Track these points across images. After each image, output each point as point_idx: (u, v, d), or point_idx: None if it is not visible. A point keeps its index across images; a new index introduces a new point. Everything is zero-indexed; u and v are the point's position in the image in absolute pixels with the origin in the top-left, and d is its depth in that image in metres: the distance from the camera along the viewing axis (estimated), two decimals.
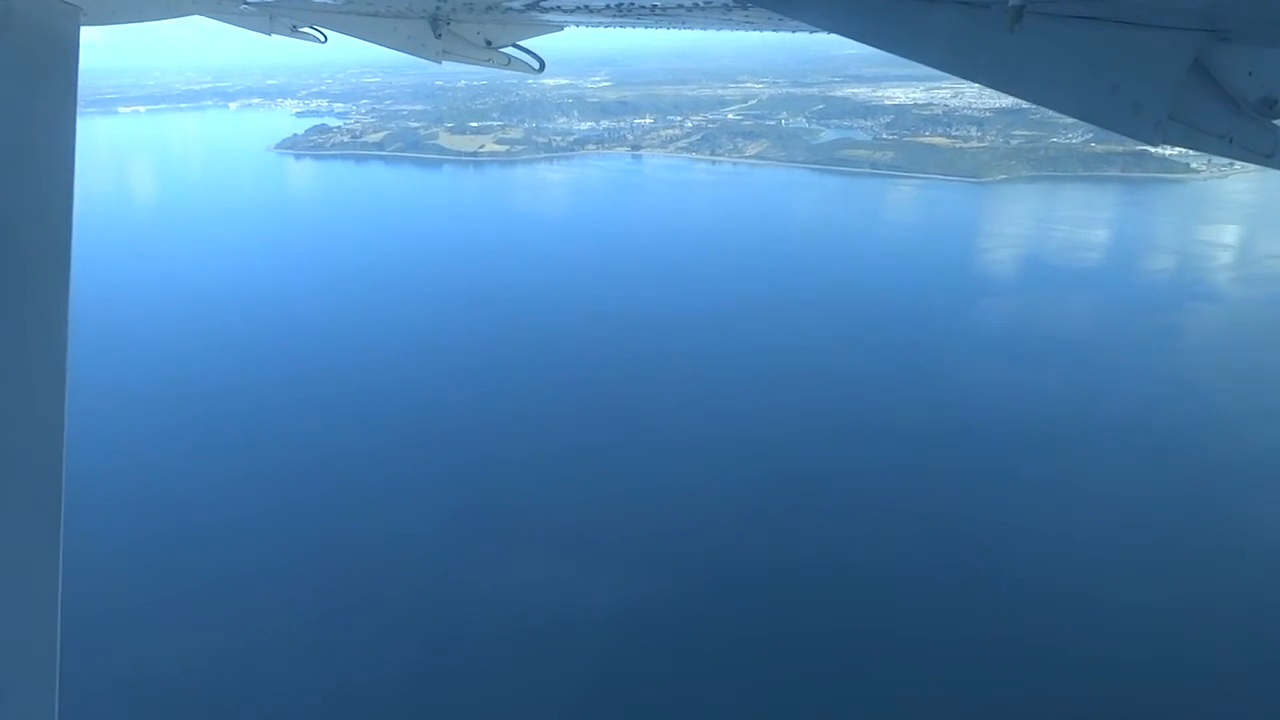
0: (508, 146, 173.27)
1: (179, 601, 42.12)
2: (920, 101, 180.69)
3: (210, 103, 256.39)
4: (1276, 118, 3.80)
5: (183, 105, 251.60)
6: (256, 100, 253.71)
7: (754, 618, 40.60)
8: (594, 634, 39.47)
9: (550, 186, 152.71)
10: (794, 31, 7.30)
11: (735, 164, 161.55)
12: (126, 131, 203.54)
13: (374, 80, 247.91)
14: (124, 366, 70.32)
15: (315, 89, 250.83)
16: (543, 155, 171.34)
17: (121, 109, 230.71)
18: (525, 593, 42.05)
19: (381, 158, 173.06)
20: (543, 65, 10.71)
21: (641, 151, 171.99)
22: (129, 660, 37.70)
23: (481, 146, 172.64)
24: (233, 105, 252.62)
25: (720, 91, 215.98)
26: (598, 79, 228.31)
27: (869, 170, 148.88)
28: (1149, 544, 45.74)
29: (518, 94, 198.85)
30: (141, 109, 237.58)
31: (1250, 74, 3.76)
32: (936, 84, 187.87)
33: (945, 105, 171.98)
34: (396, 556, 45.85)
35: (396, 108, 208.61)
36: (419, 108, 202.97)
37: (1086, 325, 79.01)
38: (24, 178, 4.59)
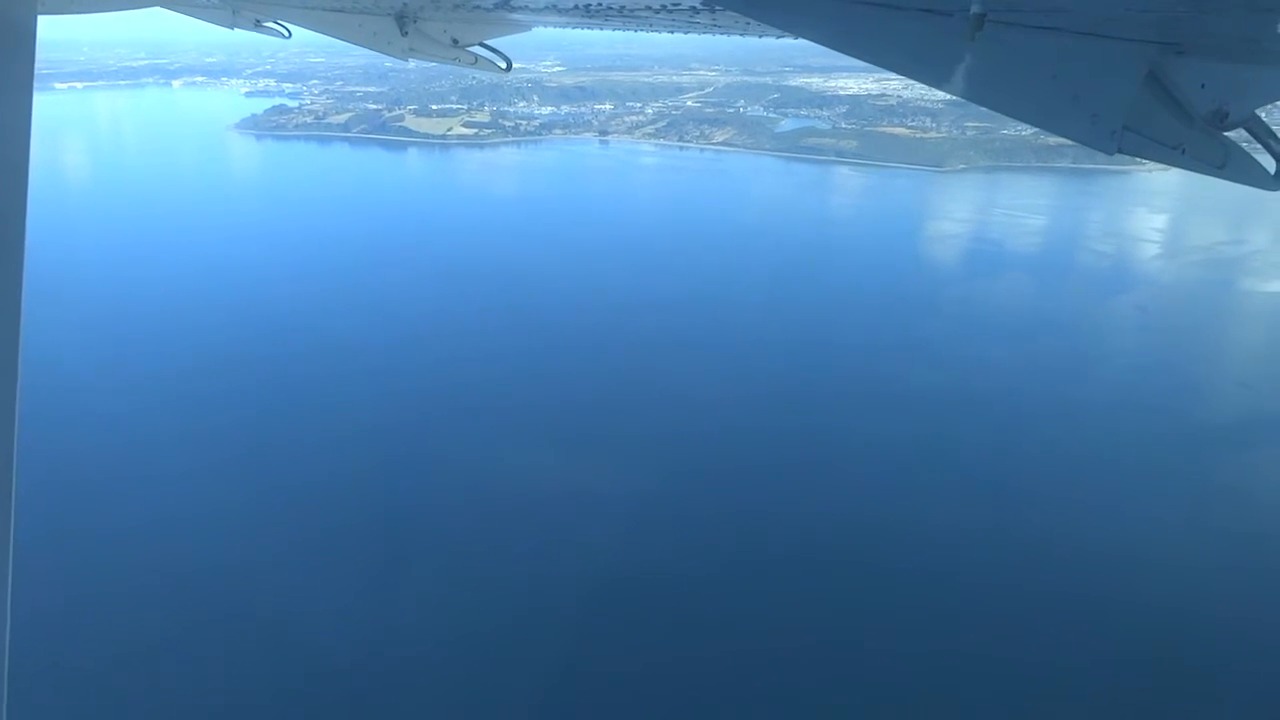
0: (475, 130, 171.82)
1: (140, 598, 40.60)
2: (874, 92, 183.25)
3: (151, 80, 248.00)
4: (1228, 130, 3.87)
5: (122, 82, 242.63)
6: (200, 79, 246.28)
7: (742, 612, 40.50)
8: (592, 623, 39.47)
9: (530, 171, 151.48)
10: (760, 36, 7.30)
11: (703, 150, 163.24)
12: (71, 109, 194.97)
13: (319, 60, 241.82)
14: (111, 355, 68.12)
15: (259, 68, 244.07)
16: (511, 139, 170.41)
17: (58, 85, 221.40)
18: (513, 588, 41.55)
19: (347, 139, 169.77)
20: (509, 65, 10.61)
21: (609, 137, 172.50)
22: (74, 659, 36.48)
23: (449, 129, 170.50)
24: (176, 83, 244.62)
25: (675, 78, 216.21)
26: (549, 63, 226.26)
27: (835, 158, 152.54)
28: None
29: (475, 78, 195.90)
30: (79, 85, 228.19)
31: (1203, 87, 3.81)
32: (887, 75, 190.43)
33: (899, 96, 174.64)
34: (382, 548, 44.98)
35: (350, 89, 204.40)
36: (373, 89, 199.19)
37: (1069, 309, 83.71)
38: None
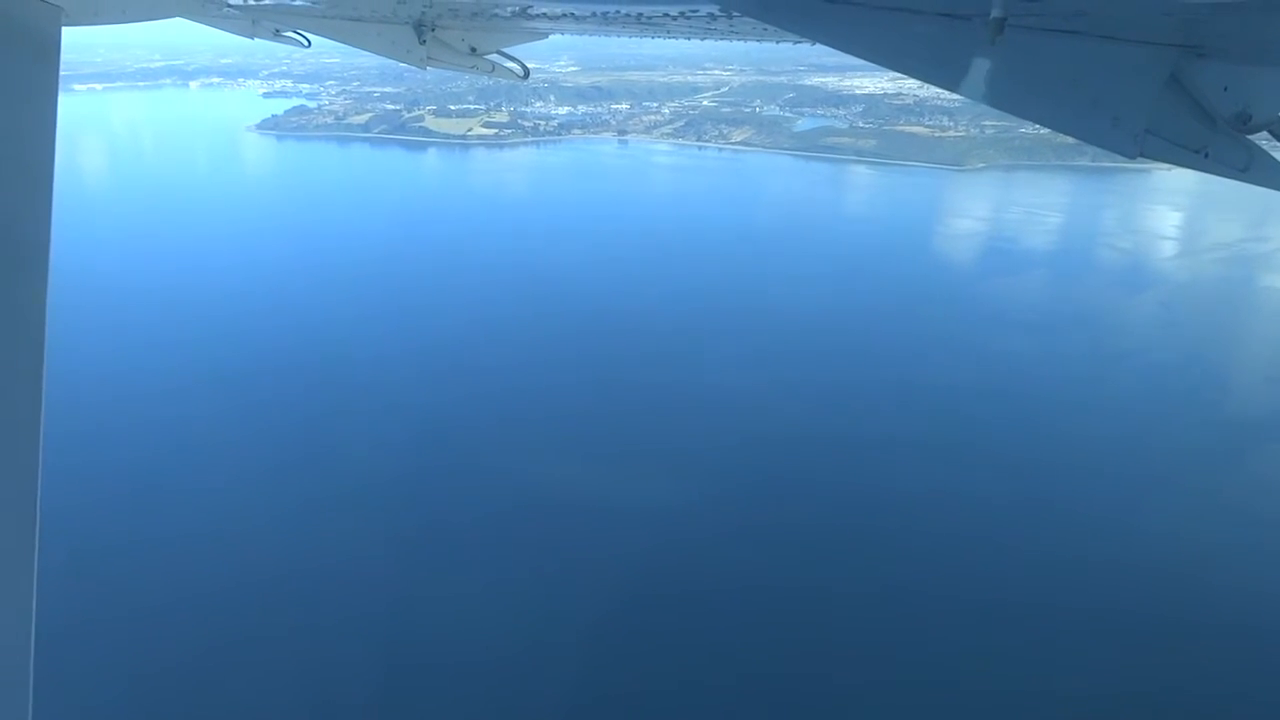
0: (495, 130, 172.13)
1: (162, 605, 40.46)
2: (890, 91, 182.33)
3: (168, 81, 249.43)
4: (1250, 133, 3.85)
5: (140, 83, 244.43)
6: (217, 80, 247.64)
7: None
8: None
9: (554, 171, 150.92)
10: (777, 41, 7.31)
11: (721, 150, 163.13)
12: (92, 110, 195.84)
13: (335, 61, 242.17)
14: (141, 358, 68.11)
15: (275, 69, 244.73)
16: (530, 139, 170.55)
17: (77, 86, 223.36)
18: (507, 596, 41.32)
19: (368, 140, 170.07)
20: (527, 73, 10.66)
21: (628, 137, 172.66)
22: (104, 664, 36.56)
23: (469, 130, 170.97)
24: (193, 84, 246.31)
25: (690, 78, 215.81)
26: (564, 64, 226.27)
27: (855, 157, 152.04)
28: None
29: (491, 78, 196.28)
30: (98, 87, 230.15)
31: (1225, 89, 3.79)
32: (902, 75, 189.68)
33: (915, 95, 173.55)
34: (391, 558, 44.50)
35: (367, 89, 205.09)
36: (390, 89, 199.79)
37: (1093, 306, 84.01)
38: (4, 176, 4.53)
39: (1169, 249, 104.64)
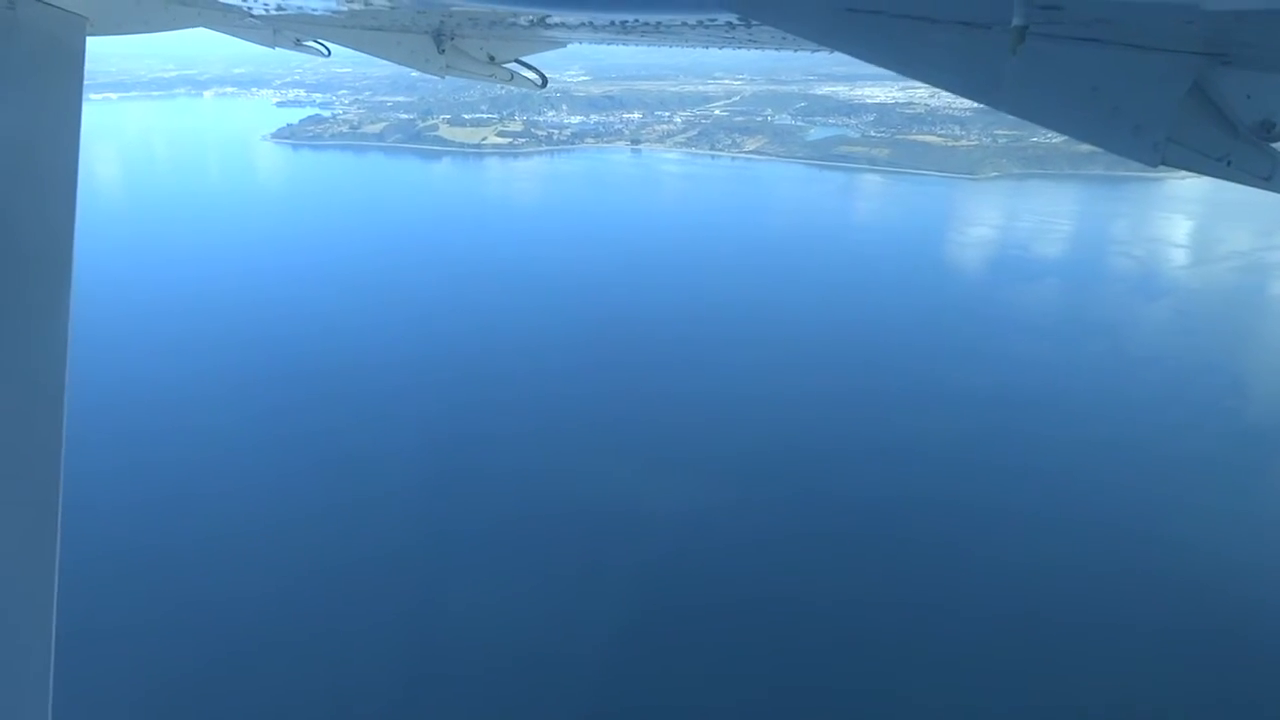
0: (510, 139, 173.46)
1: (182, 608, 40.88)
2: (901, 100, 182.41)
3: (182, 91, 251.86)
4: (1274, 141, 3.81)
5: (155, 93, 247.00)
6: (230, 89, 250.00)
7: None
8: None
9: (572, 180, 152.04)
10: (795, 50, 7.31)
11: (734, 159, 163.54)
12: (108, 119, 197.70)
13: (346, 70, 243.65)
14: (160, 365, 68.61)
15: (288, 79, 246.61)
16: (545, 148, 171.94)
17: (93, 96, 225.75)
18: (513, 608, 41.29)
19: (382, 149, 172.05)
20: (545, 81, 10.73)
21: (641, 146, 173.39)
22: (117, 666, 36.75)
23: (484, 139, 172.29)
24: (207, 94, 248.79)
25: (701, 87, 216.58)
26: (575, 73, 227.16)
27: (869, 166, 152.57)
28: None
29: (504, 87, 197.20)
30: (113, 96, 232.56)
31: (1249, 97, 3.75)
32: (912, 84, 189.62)
33: (926, 104, 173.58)
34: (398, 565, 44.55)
35: (380, 98, 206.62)
36: (403, 99, 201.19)
37: (1110, 314, 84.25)
38: (29, 182, 4.62)
39: (1184, 257, 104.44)
